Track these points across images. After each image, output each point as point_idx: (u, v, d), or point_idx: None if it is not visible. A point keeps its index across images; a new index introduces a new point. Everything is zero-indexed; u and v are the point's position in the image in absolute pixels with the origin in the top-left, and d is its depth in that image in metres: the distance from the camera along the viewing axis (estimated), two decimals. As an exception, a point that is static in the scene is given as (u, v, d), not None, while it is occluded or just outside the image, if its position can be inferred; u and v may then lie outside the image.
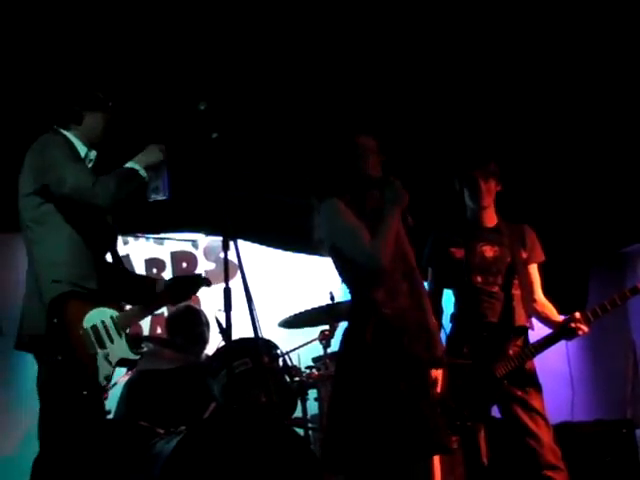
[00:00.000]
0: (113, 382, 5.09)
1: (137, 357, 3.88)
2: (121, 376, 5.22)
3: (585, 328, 4.38)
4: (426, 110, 5.98)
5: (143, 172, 3.79)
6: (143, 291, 4.10)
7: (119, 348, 3.78)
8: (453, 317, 4.61)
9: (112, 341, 3.75)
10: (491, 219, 4.58)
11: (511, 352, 4.37)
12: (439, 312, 4.57)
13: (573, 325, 4.37)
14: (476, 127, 5.95)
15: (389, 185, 3.95)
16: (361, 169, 4.02)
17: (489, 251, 4.51)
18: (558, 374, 5.93)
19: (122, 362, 3.83)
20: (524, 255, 4.53)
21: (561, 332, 4.43)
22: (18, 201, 3.89)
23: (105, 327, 3.73)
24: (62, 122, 3.90)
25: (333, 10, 5.27)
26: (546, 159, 6.34)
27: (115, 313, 3.80)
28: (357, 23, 5.37)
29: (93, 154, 3.94)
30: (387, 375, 3.79)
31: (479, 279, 4.48)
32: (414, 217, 4.03)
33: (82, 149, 3.90)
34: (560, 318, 4.51)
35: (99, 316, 3.71)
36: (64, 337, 3.58)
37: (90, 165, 3.89)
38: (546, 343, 4.43)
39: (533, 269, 4.59)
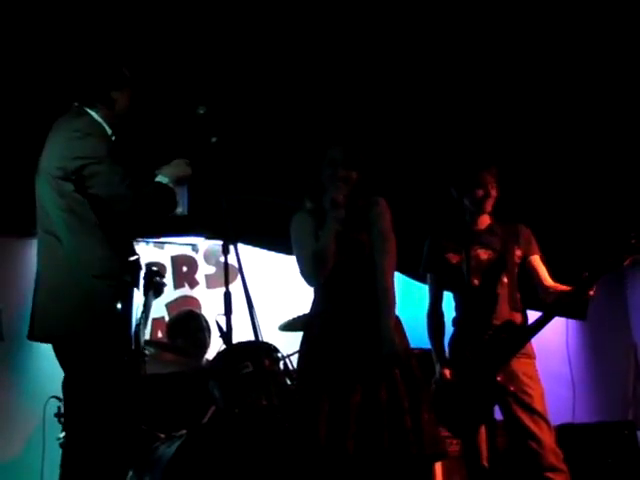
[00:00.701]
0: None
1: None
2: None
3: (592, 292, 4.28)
4: (423, 116, 5.98)
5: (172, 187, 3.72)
6: None
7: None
8: (455, 321, 4.61)
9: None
10: (485, 221, 4.59)
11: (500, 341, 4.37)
12: (440, 315, 4.61)
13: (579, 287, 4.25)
14: (478, 134, 5.95)
15: (326, 196, 4.08)
16: (322, 180, 4.16)
17: (483, 254, 4.51)
18: (559, 376, 5.93)
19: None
20: (519, 252, 4.52)
21: (563, 298, 4.33)
22: (38, 176, 3.73)
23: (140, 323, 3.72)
24: (89, 102, 3.78)
25: (331, 14, 5.27)
26: (548, 165, 6.33)
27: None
28: (354, 27, 5.38)
29: (113, 138, 3.84)
30: (308, 378, 4.02)
31: (476, 282, 4.48)
32: (410, 223, 4.10)
33: (108, 131, 3.79)
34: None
35: (137, 312, 3.69)
36: (127, 333, 3.56)
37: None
38: (544, 319, 4.36)
39: (535, 260, 4.55)
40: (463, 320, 4.53)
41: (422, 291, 4.87)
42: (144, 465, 4.61)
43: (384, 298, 4.05)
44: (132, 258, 3.71)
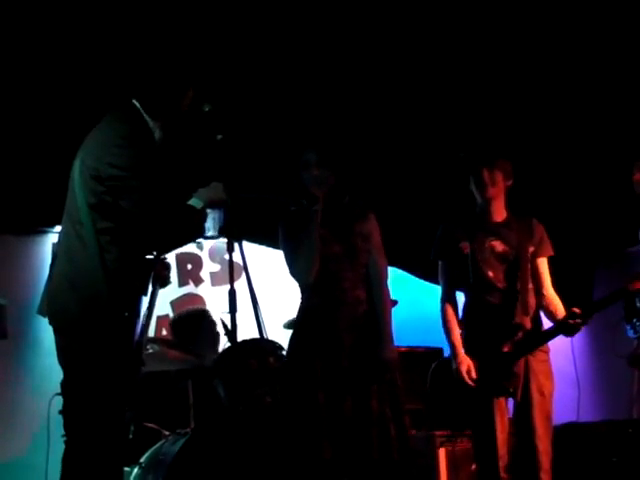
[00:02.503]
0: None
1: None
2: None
3: (583, 323, 4.34)
4: (440, 107, 5.98)
5: (204, 210, 3.66)
6: None
7: None
8: (465, 307, 4.57)
9: None
10: (500, 213, 4.52)
11: (506, 349, 4.35)
12: (454, 304, 4.53)
13: (572, 322, 4.33)
14: (485, 123, 5.95)
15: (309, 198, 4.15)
16: (304, 182, 4.29)
17: (498, 246, 4.47)
18: (564, 374, 5.88)
19: None
20: (531, 249, 4.47)
21: (559, 328, 4.37)
22: (76, 161, 3.64)
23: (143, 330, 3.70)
24: (152, 112, 3.67)
25: (331, 12, 5.28)
26: (553, 158, 6.33)
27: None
28: (360, 22, 5.39)
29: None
30: (305, 382, 4.05)
31: (490, 274, 4.44)
32: (424, 212, 4.12)
33: (157, 135, 3.70)
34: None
35: (142, 317, 3.66)
36: (129, 340, 3.55)
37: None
38: (543, 338, 4.40)
39: (542, 263, 4.51)
40: (474, 311, 4.48)
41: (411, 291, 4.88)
42: (148, 463, 4.62)
43: (384, 304, 4.27)
44: (147, 256, 3.68)
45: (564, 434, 4.48)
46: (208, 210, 3.68)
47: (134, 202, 3.48)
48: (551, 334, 4.41)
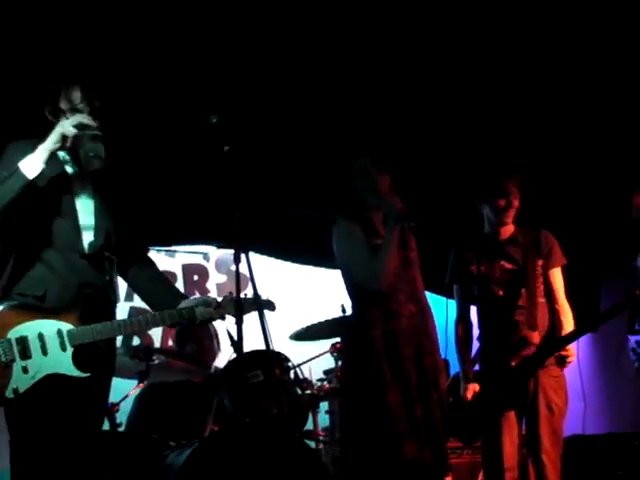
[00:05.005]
0: (124, 395, 5.11)
1: (83, 375, 3.43)
2: (132, 388, 5.23)
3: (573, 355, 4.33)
4: (444, 128, 5.99)
5: (31, 168, 3.41)
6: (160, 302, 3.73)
7: (53, 362, 3.41)
8: (479, 337, 4.58)
9: (45, 353, 3.40)
10: (508, 230, 4.55)
11: (514, 364, 4.35)
12: (468, 326, 4.58)
13: (558, 354, 4.29)
14: (493, 139, 5.95)
15: (386, 204, 4.13)
16: (360, 191, 4.22)
17: (507, 265, 4.47)
18: (570, 387, 5.87)
19: (62, 378, 3.42)
20: (540, 262, 4.48)
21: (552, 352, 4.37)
22: None
23: (41, 339, 3.40)
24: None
25: (347, 22, 5.28)
26: (559, 169, 6.32)
27: (67, 326, 3.44)
28: (369, 38, 5.39)
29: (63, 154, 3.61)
30: (362, 395, 4.14)
31: (500, 293, 4.45)
32: (435, 234, 4.15)
33: (60, 156, 3.59)
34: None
35: (37, 328, 3.41)
36: None
37: (66, 163, 3.58)
38: (545, 353, 4.39)
39: (554, 275, 4.50)
40: (489, 332, 4.49)
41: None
42: (154, 473, 4.61)
43: (430, 319, 4.40)
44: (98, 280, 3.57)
45: (570, 447, 4.47)
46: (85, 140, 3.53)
47: None
48: (548, 352, 4.39)
